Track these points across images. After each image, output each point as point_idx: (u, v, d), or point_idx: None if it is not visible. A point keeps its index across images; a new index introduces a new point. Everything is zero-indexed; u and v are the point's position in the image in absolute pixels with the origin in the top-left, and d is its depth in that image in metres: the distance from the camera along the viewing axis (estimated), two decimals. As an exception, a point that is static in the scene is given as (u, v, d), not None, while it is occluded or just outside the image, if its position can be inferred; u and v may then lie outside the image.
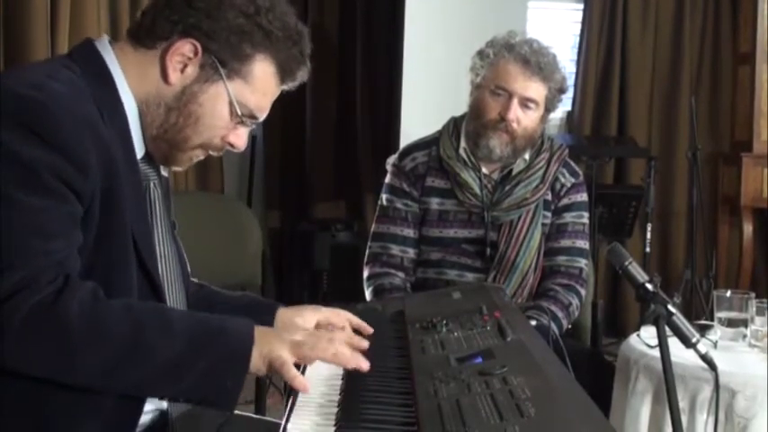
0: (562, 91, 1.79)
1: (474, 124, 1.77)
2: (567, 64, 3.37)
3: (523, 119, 1.73)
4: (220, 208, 2.28)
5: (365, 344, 0.99)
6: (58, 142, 0.89)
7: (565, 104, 3.50)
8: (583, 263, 1.82)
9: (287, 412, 0.93)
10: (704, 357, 1.23)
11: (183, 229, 1.17)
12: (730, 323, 1.59)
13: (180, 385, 0.91)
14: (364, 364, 0.96)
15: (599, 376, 1.69)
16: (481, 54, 1.78)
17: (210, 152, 1.07)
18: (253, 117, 1.05)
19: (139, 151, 1.03)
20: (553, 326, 1.58)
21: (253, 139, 3.45)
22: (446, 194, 1.80)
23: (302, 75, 1.07)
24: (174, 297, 1.08)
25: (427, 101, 2.90)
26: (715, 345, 1.56)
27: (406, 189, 1.83)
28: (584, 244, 1.83)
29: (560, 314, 1.73)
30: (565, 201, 1.82)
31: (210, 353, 0.91)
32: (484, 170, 1.80)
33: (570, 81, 2.61)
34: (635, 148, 3.33)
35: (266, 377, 0.96)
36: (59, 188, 0.89)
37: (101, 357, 0.89)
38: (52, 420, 0.94)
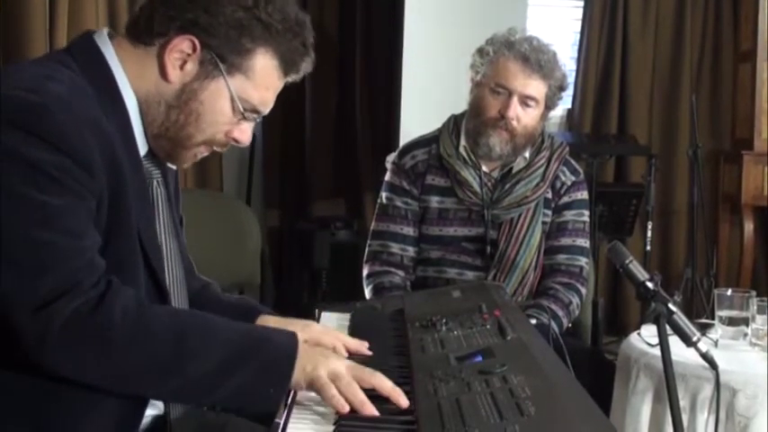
0: (562, 89, 1.79)
1: (474, 122, 1.77)
2: (568, 61, 3.36)
3: (523, 117, 1.73)
4: (219, 206, 2.28)
5: (404, 402, 0.91)
6: (62, 144, 0.88)
7: (565, 102, 3.50)
8: (583, 261, 1.82)
9: (286, 412, 0.93)
10: (705, 356, 1.22)
11: (183, 231, 1.16)
12: (731, 322, 1.59)
13: (221, 392, 0.91)
14: (404, 401, 0.92)
15: (599, 375, 1.69)
16: (481, 52, 1.78)
17: (215, 148, 1.05)
18: (256, 112, 1.03)
19: (142, 149, 1.02)
20: (553, 324, 1.57)
21: (252, 136, 3.44)
22: (446, 192, 1.80)
23: (306, 66, 1.05)
24: (177, 295, 1.07)
25: (427, 99, 2.89)
26: (716, 343, 1.56)
27: (405, 187, 1.82)
28: (584, 242, 1.83)
29: (560, 313, 1.73)
30: (565, 199, 1.82)
31: (254, 361, 0.91)
32: (484, 168, 1.79)
33: (570, 79, 2.59)
34: (635, 146, 3.32)
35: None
36: (73, 186, 0.88)
37: (144, 364, 0.88)
38: (53, 422, 0.93)
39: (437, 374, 0.97)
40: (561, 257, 1.81)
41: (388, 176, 1.87)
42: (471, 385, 0.92)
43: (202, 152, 1.05)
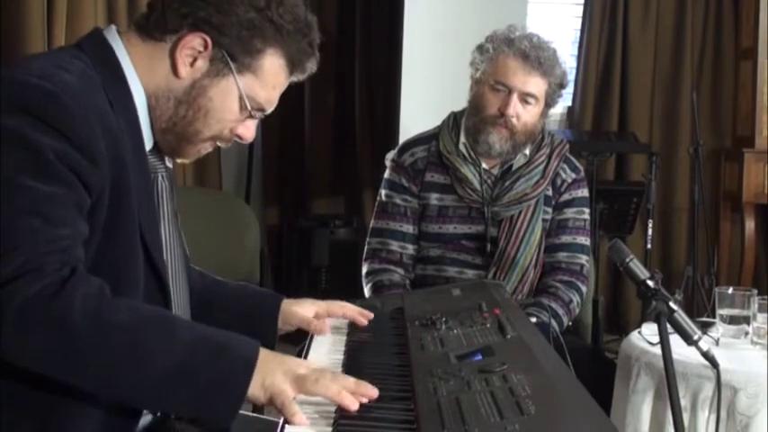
0: (562, 86, 1.78)
1: (473, 119, 1.76)
2: (568, 59, 3.36)
3: (523, 114, 1.72)
4: (218, 204, 2.27)
5: (374, 393, 0.92)
6: (69, 132, 0.88)
7: (565, 100, 3.49)
8: (584, 259, 1.81)
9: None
10: (706, 355, 1.22)
11: (181, 225, 1.16)
12: (732, 320, 1.58)
13: (174, 398, 0.88)
14: (373, 392, 0.92)
15: (600, 374, 1.68)
16: (481, 49, 1.77)
17: (219, 144, 1.07)
18: (261, 110, 1.05)
19: (148, 143, 1.02)
20: (554, 323, 1.57)
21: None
22: (445, 190, 1.79)
23: (311, 66, 1.07)
24: (178, 289, 1.07)
25: (426, 96, 2.88)
26: (717, 342, 1.55)
27: (405, 184, 1.82)
28: (585, 240, 1.82)
29: (561, 311, 1.72)
30: (566, 196, 1.81)
31: (209, 370, 0.88)
32: (484, 165, 1.79)
33: (571, 76, 2.58)
34: (636, 144, 3.31)
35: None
36: (68, 176, 0.88)
37: (97, 357, 0.86)
38: (50, 421, 0.92)
39: (437, 373, 0.96)
40: (562, 255, 1.80)
41: (387, 174, 1.86)
42: (471, 384, 0.92)
43: (207, 148, 1.06)
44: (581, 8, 3.54)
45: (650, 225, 2.95)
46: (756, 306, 1.55)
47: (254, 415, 1.20)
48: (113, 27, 1.03)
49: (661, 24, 3.55)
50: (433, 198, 1.80)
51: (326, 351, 1.17)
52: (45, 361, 0.86)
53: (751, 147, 3.40)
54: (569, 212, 1.82)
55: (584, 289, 1.80)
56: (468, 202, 1.78)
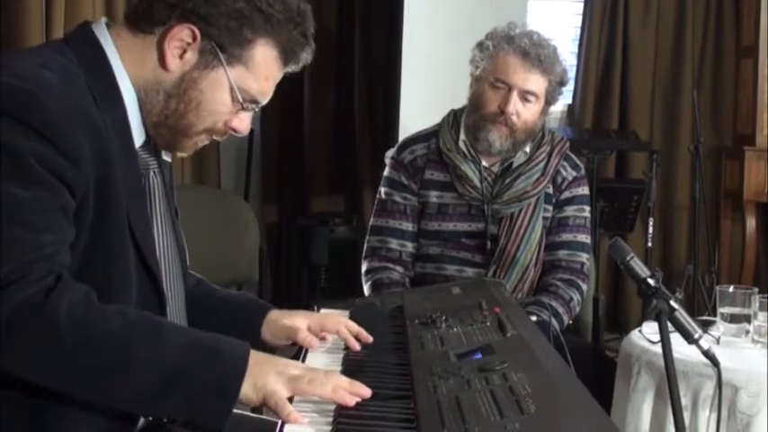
0: (563, 84, 1.77)
1: (473, 117, 1.76)
2: (568, 56, 3.34)
3: (523, 112, 1.72)
4: (217, 202, 2.26)
5: (367, 393, 0.91)
6: (49, 133, 0.87)
7: (566, 97, 3.48)
8: (584, 257, 1.80)
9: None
10: (707, 353, 1.22)
11: (180, 223, 1.15)
12: (733, 319, 1.58)
13: (165, 403, 0.87)
14: (366, 392, 0.92)
15: (600, 372, 1.68)
16: (481, 46, 1.76)
17: (214, 137, 1.05)
18: (255, 102, 1.03)
19: (139, 138, 1.01)
20: (554, 321, 1.56)
21: (250, 132, 3.42)
22: (445, 187, 1.79)
23: (306, 56, 1.04)
24: (172, 289, 1.05)
25: (426, 93, 2.88)
26: (717, 341, 1.54)
27: (404, 182, 1.81)
28: (585, 238, 1.82)
29: (561, 310, 1.71)
30: (566, 194, 1.81)
31: (200, 374, 0.88)
32: (484, 163, 1.78)
33: (571, 74, 2.57)
34: (636, 142, 3.30)
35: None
36: (50, 180, 0.87)
37: (88, 364, 0.86)
38: (47, 424, 0.91)
39: (437, 372, 0.96)
40: (562, 253, 1.79)
41: (386, 171, 1.86)
42: (471, 383, 0.91)
43: (203, 140, 1.04)
44: (581, 5, 3.53)
45: (651, 223, 2.94)
46: (757, 304, 1.55)
47: (254, 415, 1.20)
48: (103, 20, 1.01)
49: (662, 22, 3.54)
50: (433, 196, 1.79)
51: (326, 350, 1.17)
52: (33, 370, 0.86)
53: (752, 145, 3.40)
54: (570, 210, 1.81)
55: (584, 287, 1.79)
56: (468, 200, 1.77)
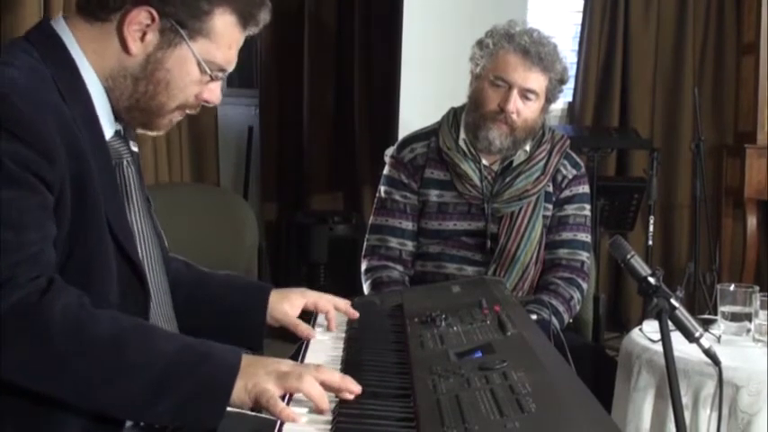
0: (563, 81, 1.77)
1: (473, 115, 1.75)
2: (569, 54, 3.33)
3: (523, 110, 1.71)
4: (216, 200, 2.26)
5: (357, 389, 0.92)
6: (21, 132, 0.86)
7: (566, 95, 3.48)
8: (584, 256, 1.80)
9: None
10: (707, 352, 1.21)
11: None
12: (734, 317, 1.57)
13: (156, 408, 0.87)
14: (356, 388, 0.92)
15: (601, 371, 1.67)
16: (481, 44, 1.76)
17: (188, 111, 1.05)
18: (222, 70, 1.03)
19: (110, 130, 1.01)
20: (554, 320, 1.56)
21: (249, 130, 3.43)
22: (445, 186, 1.78)
23: (264, 16, 1.04)
24: (154, 276, 1.05)
25: (426, 91, 2.87)
26: (718, 339, 1.54)
27: (404, 181, 1.81)
28: (585, 237, 1.81)
29: (561, 308, 1.71)
30: (566, 192, 1.80)
31: (191, 379, 0.87)
32: (484, 161, 1.78)
33: (571, 71, 2.57)
34: (637, 140, 3.30)
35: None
36: (27, 178, 0.86)
37: (79, 368, 0.85)
38: (33, 426, 0.91)
39: (436, 370, 0.95)
40: (562, 252, 1.79)
41: (386, 170, 1.85)
42: (471, 381, 0.91)
43: (177, 117, 1.05)
44: (582, 3, 3.53)
45: (651, 221, 2.94)
46: (758, 303, 1.54)
47: (253, 414, 1.19)
48: (61, 15, 1.01)
49: (662, 19, 3.53)
50: (433, 194, 1.79)
51: (325, 348, 1.16)
52: (25, 373, 0.85)
53: (753, 142, 3.39)
54: (570, 209, 1.80)
55: (584, 286, 1.79)
56: (468, 199, 1.77)
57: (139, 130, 1.06)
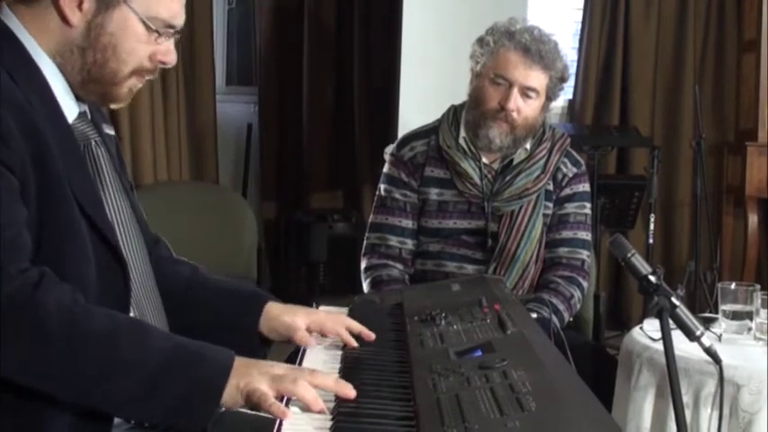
0: (563, 79, 1.76)
1: (473, 113, 1.75)
2: (569, 52, 3.31)
3: (524, 108, 1.71)
4: (215, 199, 2.26)
5: (352, 393, 0.90)
6: None
7: (566, 93, 3.47)
8: (585, 254, 1.80)
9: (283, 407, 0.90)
10: (708, 351, 1.21)
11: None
12: (735, 316, 1.57)
13: (149, 406, 0.87)
14: (351, 393, 0.91)
15: (601, 370, 1.67)
16: (481, 42, 1.75)
17: (147, 77, 1.03)
18: (170, 26, 1.01)
19: (73, 112, 1.00)
20: (554, 319, 1.55)
21: (248, 128, 3.43)
22: (445, 184, 1.78)
23: None
24: (134, 258, 1.03)
25: (426, 89, 2.86)
26: (719, 338, 1.54)
27: (404, 179, 1.80)
28: (586, 235, 1.81)
29: (562, 307, 1.71)
30: (567, 191, 1.80)
31: (184, 377, 0.87)
32: (484, 160, 1.77)
33: (572, 69, 2.56)
34: (638, 138, 3.29)
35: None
36: None
37: (73, 366, 0.85)
38: (20, 422, 0.90)
39: (436, 369, 0.95)
40: (563, 250, 1.79)
41: (386, 168, 1.85)
42: (471, 380, 0.91)
43: (136, 84, 1.03)
44: (582, 0, 3.52)
45: (652, 220, 2.93)
46: (759, 301, 1.54)
47: (252, 413, 1.19)
48: (4, 3, 1.00)
49: (663, 16, 3.52)
50: (433, 193, 1.78)
51: (324, 348, 1.16)
52: (17, 369, 0.85)
53: (754, 140, 3.38)
54: (570, 207, 1.80)
55: (585, 284, 1.78)
56: (468, 197, 1.76)
57: (103, 106, 1.04)
